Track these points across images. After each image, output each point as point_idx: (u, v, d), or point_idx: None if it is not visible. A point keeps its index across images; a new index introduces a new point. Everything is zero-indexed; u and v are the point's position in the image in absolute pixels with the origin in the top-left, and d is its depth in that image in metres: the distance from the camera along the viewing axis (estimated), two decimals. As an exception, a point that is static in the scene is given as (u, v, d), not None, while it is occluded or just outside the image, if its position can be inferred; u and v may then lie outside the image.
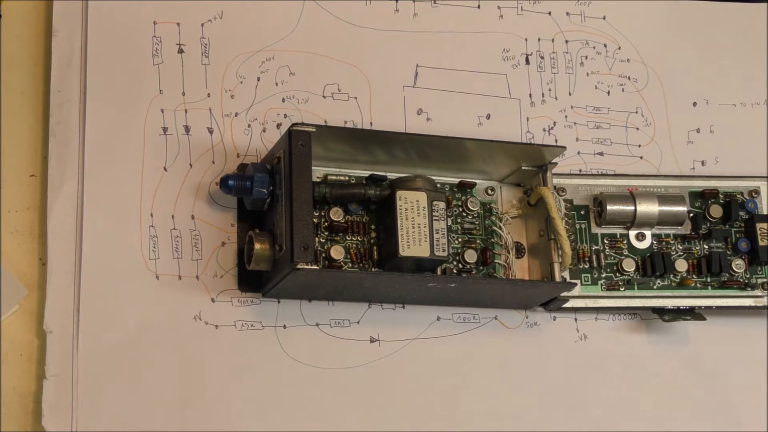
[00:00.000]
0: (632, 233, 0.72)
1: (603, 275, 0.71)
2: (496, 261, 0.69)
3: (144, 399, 0.63)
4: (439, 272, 0.66)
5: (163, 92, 0.68)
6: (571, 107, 0.76)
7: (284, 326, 0.66)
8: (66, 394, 0.61)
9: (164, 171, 0.67)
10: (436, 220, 0.65)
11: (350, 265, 0.66)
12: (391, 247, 0.65)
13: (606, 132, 0.76)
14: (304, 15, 0.73)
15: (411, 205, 0.65)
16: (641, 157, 0.76)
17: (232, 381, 0.65)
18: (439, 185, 0.68)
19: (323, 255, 0.65)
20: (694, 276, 0.72)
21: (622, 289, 0.71)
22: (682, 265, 0.71)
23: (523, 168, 0.69)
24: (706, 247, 0.73)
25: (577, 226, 0.71)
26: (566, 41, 0.77)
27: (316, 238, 0.65)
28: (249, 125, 0.69)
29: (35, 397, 0.62)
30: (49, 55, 0.67)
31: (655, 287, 0.71)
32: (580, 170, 0.74)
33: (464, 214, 0.69)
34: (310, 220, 0.61)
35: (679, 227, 0.72)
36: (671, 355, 0.72)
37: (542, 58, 0.76)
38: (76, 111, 0.66)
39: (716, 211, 0.73)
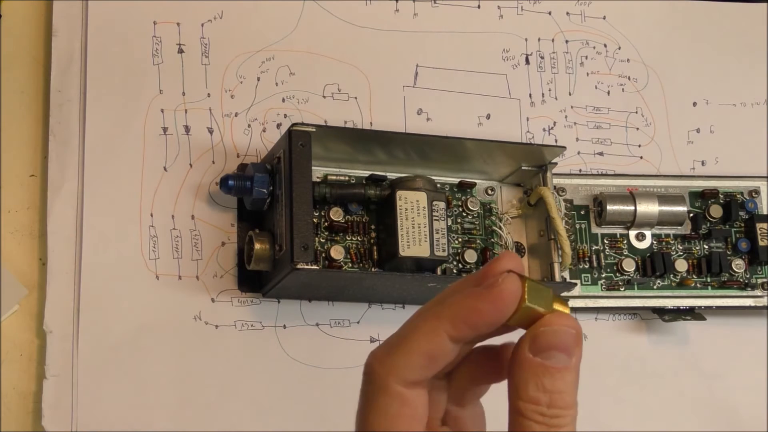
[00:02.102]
0: (632, 233, 0.72)
1: (603, 275, 0.71)
2: (496, 261, 0.69)
3: (144, 399, 0.63)
4: (439, 272, 0.66)
5: (163, 92, 0.68)
6: (571, 107, 0.76)
7: (284, 326, 0.66)
8: (66, 394, 0.61)
9: (164, 171, 0.67)
10: (436, 220, 0.65)
11: (350, 265, 0.66)
12: (391, 247, 0.65)
13: (606, 132, 0.76)
14: (304, 15, 0.73)
15: (411, 205, 0.65)
16: (641, 157, 0.76)
17: (232, 381, 0.65)
18: (439, 185, 0.68)
19: (323, 255, 0.65)
20: (694, 276, 0.72)
21: (622, 289, 0.71)
22: (682, 265, 0.71)
23: (523, 168, 0.69)
24: (706, 247, 0.73)
25: (577, 226, 0.71)
26: (566, 41, 0.77)
27: (316, 238, 0.65)
28: (249, 125, 0.69)
29: (35, 397, 0.62)
30: (49, 55, 0.67)
31: (655, 287, 0.71)
32: (580, 170, 0.74)
33: (464, 214, 0.69)
34: (310, 220, 0.61)
35: (679, 227, 0.72)
36: (671, 355, 0.72)
37: (542, 58, 0.76)
38: (76, 111, 0.66)
39: (716, 211, 0.73)
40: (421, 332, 0.43)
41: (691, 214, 0.73)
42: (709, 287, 0.72)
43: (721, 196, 0.74)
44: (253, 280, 0.66)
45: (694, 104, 0.79)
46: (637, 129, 0.77)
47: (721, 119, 0.78)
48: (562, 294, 0.68)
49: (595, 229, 0.72)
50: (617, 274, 0.71)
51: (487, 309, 0.43)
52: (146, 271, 0.65)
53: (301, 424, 0.65)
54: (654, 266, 0.71)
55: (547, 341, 0.43)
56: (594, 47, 0.78)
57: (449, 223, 0.68)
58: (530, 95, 0.75)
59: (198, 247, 0.66)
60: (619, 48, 0.78)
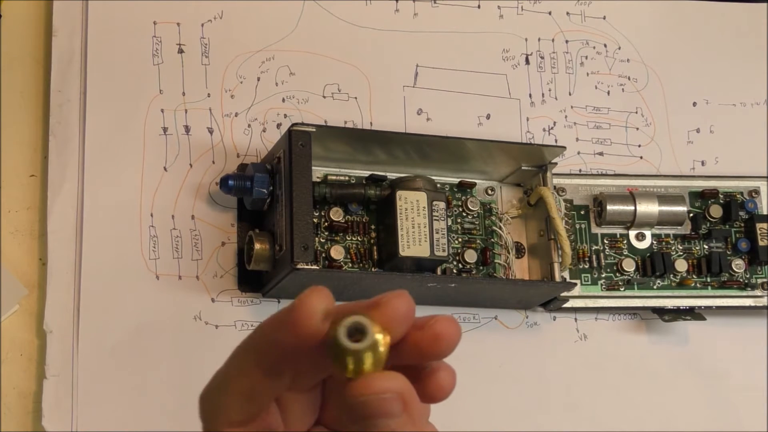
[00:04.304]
0: (632, 233, 0.72)
1: (603, 275, 0.71)
2: (496, 261, 0.69)
3: (144, 399, 0.63)
4: (439, 272, 0.66)
5: (163, 92, 0.68)
6: (571, 107, 0.76)
7: (284, 326, 0.66)
8: (66, 394, 0.61)
9: (164, 171, 0.67)
10: (436, 220, 0.65)
11: (350, 265, 0.66)
12: (391, 247, 0.65)
13: (606, 132, 0.76)
14: (304, 15, 0.73)
15: (411, 205, 0.65)
16: (641, 157, 0.76)
17: (232, 381, 0.64)
18: (439, 185, 0.68)
19: (323, 255, 0.65)
20: (694, 276, 0.72)
21: (622, 289, 0.71)
22: (682, 265, 0.71)
23: (523, 168, 0.69)
24: (706, 247, 0.73)
25: (577, 226, 0.71)
26: (566, 41, 0.77)
27: (316, 238, 0.65)
28: (249, 125, 0.69)
29: (35, 397, 0.62)
30: (49, 55, 0.67)
31: (655, 287, 0.71)
32: (580, 170, 0.74)
33: (464, 214, 0.69)
34: (310, 220, 0.61)
35: (679, 227, 0.72)
36: (671, 355, 0.72)
37: (542, 58, 0.76)
38: (76, 111, 0.66)
39: (716, 211, 0.73)
40: (231, 371, 0.41)
41: (691, 214, 0.73)
42: (709, 287, 0.72)
43: (721, 196, 0.74)
44: (253, 280, 0.66)
45: (694, 104, 0.79)
46: (637, 129, 0.77)
47: (721, 119, 0.78)
48: (563, 294, 0.68)
49: (595, 229, 0.72)
50: (617, 274, 0.71)
51: (286, 337, 0.39)
52: (146, 271, 0.65)
53: (301, 424, 0.65)
54: (654, 266, 0.71)
55: (359, 413, 0.38)
56: (594, 47, 0.78)
57: (449, 223, 0.68)
58: (530, 95, 0.75)
59: (198, 247, 0.66)
60: (619, 48, 0.78)
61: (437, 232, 0.65)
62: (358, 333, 0.38)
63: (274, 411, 0.42)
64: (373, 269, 0.66)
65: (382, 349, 0.38)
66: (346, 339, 0.38)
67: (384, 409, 0.38)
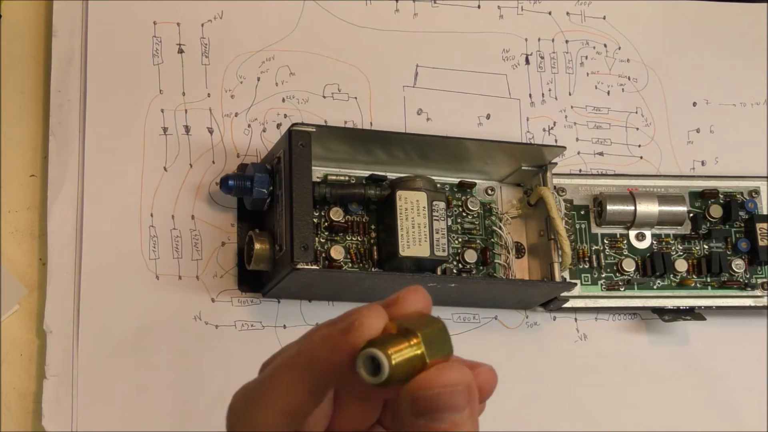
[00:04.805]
0: (632, 233, 0.72)
1: (603, 275, 0.71)
2: (496, 261, 0.69)
3: (144, 399, 0.63)
4: (439, 272, 0.66)
5: (163, 92, 0.68)
6: (571, 107, 0.76)
7: (284, 326, 0.66)
8: (66, 394, 0.61)
9: (164, 171, 0.67)
10: (436, 220, 0.65)
11: (350, 265, 0.66)
12: (391, 247, 0.65)
13: (606, 132, 0.76)
14: (304, 15, 0.73)
15: (411, 205, 0.65)
16: (641, 157, 0.76)
17: (232, 381, 0.64)
18: (439, 185, 0.68)
19: (323, 255, 0.65)
20: (694, 276, 0.72)
21: (622, 289, 0.71)
22: (682, 265, 0.71)
23: (523, 168, 0.69)
24: (706, 247, 0.73)
25: (577, 226, 0.71)
26: (566, 41, 0.77)
27: (316, 238, 0.65)
28: (249, 125, 0.69)
29: (35, 397, 0.62)
30: (49, 55, 0.67)
31: (655, 287, 0.71)
32: (580, 170, 0.74)
33: (464, 214, 0.69)
34: (310, 220, 0.61)
35: (679, 227, 0.72)
36: (671, 355, 0.72)
37: (542, 58, 0.76)
38: (76, 111, 0.66)
39: (716, 211, 0.73)
40: (277, 389, 0.40)
41: (691, 214, 0.73)
42: (709, 287, 0.72)
43: (721, 196, 0.74)
44: (253, 280, 0.66)
45: (694, 104, 0.79)
46: (637, 129, 0.77)
47: (721, 119, 0.78)
48: (563, 294, 0.68)
49: (595, 229, 0.72)
50: (617, 274, 0.71)
51: (342, 359, 0.38)
52: (146, 271, 0.65)
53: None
54: (654, 266, 0.71)
55: (426, 406, 0.37)
56: (594, 47, 0.78)
57: (449, 223, 0.68)
58: (530, 95, 0.75)
59: (198, 247, 0.66)
60: (619, 48, 0.78)
61: (437, 232, 0.65)
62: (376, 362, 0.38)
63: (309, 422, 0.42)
64: (373, 269, 0.66)
65: (417, 352, 0.38)
66: (366, 374, 0.38)
67: (452, 402, 0.37)
